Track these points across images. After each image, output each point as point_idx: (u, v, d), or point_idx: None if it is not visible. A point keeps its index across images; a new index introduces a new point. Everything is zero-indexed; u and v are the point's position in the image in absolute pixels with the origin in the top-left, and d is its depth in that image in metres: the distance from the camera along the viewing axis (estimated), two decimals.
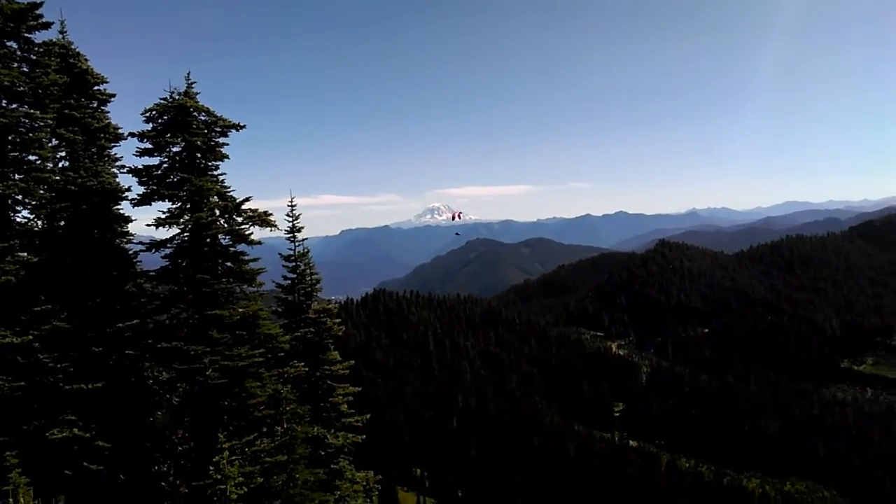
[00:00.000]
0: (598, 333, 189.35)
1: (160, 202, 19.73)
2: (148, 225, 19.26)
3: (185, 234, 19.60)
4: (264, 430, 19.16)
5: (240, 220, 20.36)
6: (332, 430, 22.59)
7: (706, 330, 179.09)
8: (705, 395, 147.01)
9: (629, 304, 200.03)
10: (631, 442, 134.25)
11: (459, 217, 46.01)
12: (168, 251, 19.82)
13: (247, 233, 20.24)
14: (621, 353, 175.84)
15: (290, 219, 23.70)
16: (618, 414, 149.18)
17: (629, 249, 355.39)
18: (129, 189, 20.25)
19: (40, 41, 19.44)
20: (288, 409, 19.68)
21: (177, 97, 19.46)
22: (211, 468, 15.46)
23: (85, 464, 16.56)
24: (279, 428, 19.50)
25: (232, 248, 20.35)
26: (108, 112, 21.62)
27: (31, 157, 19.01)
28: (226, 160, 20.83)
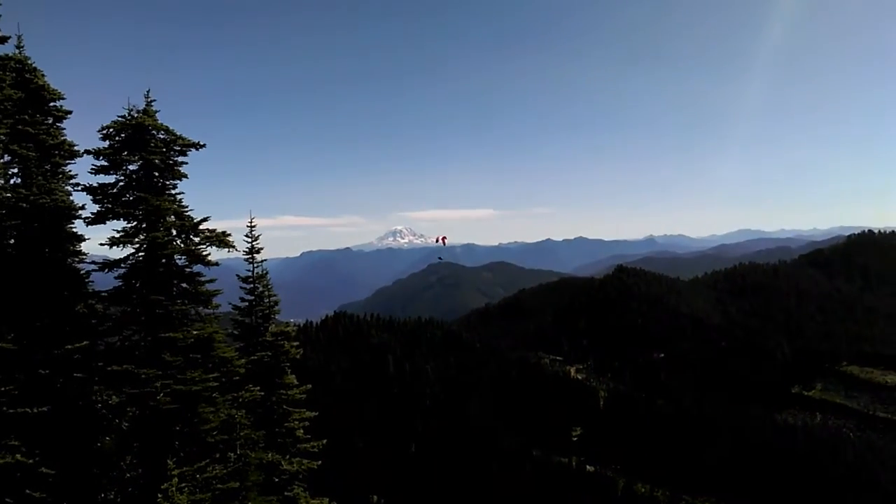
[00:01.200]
0: (558, 358, 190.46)
1: (115, 221, 19.35)
2: (101, 244, 18.84)
3: (140, 254, 19.23)
4: (217, 456, 18.71)
5: (197, 240, 20.07)
6: (287, 456, 22.18)
7: (662, 355, 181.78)
8: (661, 420, 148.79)
9: (588, 329, 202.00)
10: (588, 466, 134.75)
11: (444, 241, 46.07)
12: (122, 271, 19.38)
13: (204, 253, 19.95)
14: (580, 377, 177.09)
15: (249, 239, 23.43)
16: (576, 438, 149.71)
17: (589, 274, 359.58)
18: (83, 207, 19.80)
19: None
20: (242, 434, 19.28)
21: (135, 115, 19.22)
22: (160, 496, 15.03)
23: (28, 491, 15.90)
24: (232, 454, 19.08)
25: (188, 269, 20.02)
26: (64, 128, 21.14)
27: None
28: (184, 179, 20.58)
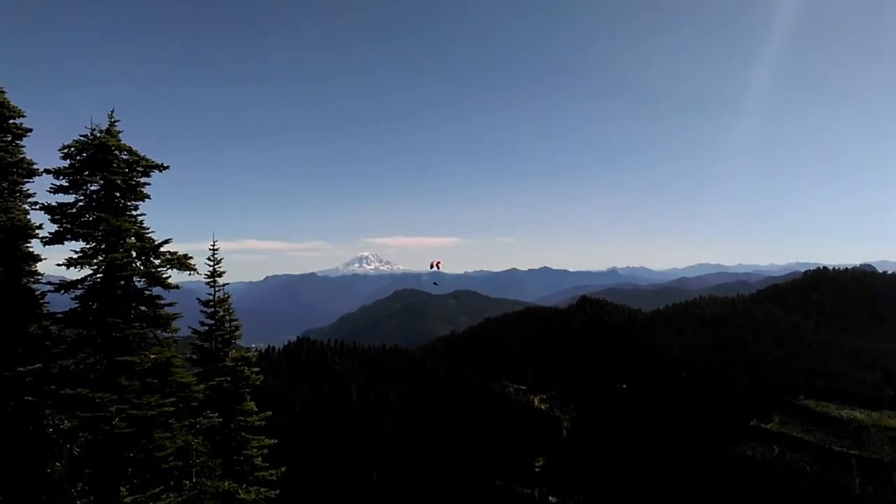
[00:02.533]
0: (522, 387, 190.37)
1: (73, 241, 19.05)
2: (59, 265, 18.50)
3: (98, 276, 18.92)
4: (171, 483, 18.29)
5: (157, 262, 19.86)
6: (245, 485, 21.73)
7: (625, 385, 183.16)
8: (623, 451, 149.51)
9: (552, 359, 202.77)
10: (551, 497, 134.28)
11: (438, 266, 46.24)
12: (78, 293, 19.03)
13: (164, 276, 19.73)
14: (543, 406, 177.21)
15: (211, 263, 23.22)
16: (538, 468, 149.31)
17: (553, 304, 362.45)
18: (40, 227, 19.47)
19: None
20: (198, 461, 18.90)
21: (98, 134, 19.06)
22: None
23: None
24: (187, 482, 18.67)
25: (147, 292, 19.75)
26: (24, 146, 20.83)
27: None
28: (147, 200, 20.40)
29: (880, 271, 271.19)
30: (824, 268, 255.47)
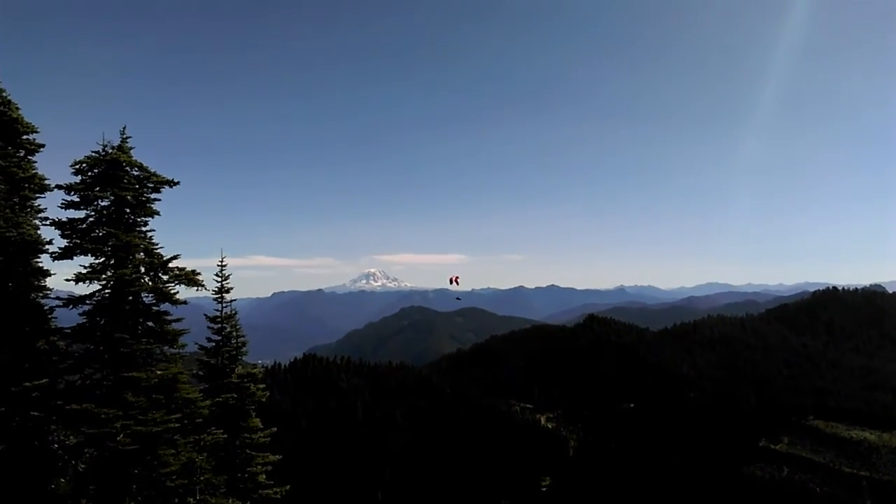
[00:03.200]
0: (528, 405, 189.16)
1: (83, 257, 19.15)
2: (67, 280, 18.59)
3: (107, 291, 18.98)
4: (176, 500, 18.22)
5: (166, 278, 19.91)
6: (248, 502, 21.62)
7: (632, 405, 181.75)
8: (630, 471, 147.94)
9: (559, 377, 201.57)
10: None
11: (457, 281, 45.62)
12: (86, 308, 19.09)
13: (172, 292, 19.77)
14: (550, 426, 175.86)
15: (220, 279, 23.26)
16: (545, 489, 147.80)
17: (560, 322, 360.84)
18: (50, 242, 19.59)
19: None
20: (202, 478, 18.82)
21: (110, 151, 19.22)
22: None
23: None
24: (192, 499, 18.59)
25: (155, 307, 19.79)
26: (36, 162, 21.02)
27: None
28: (156, 216, 20.51)
29: (890, 291, 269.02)
30: (833, 287, 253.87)
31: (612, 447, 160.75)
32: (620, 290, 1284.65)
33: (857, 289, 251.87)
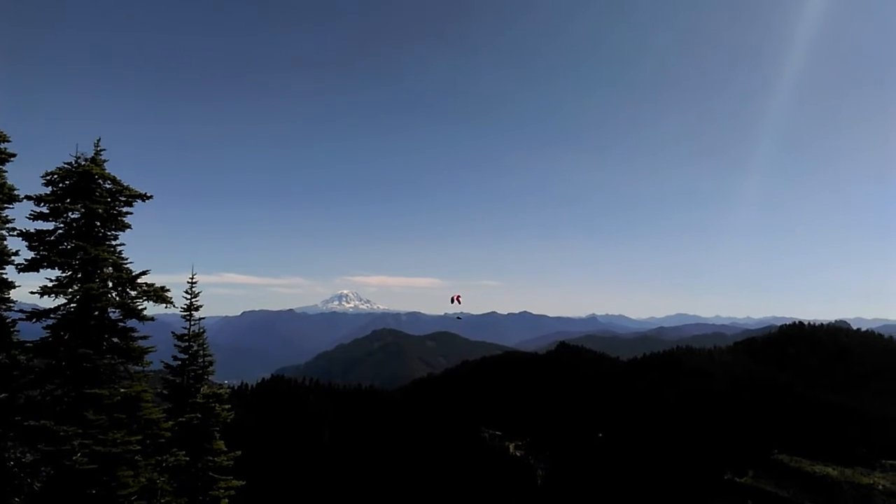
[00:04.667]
0: (497, 432, 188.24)
1: (49, 269, 18.76)
2: (33, 292, 18.18)
3: (72, 305, 18.60)
4: None
5: (134, 293, 19.59)
6: None
7: (601, 434, 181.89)
8: (599, 502, 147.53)
9: (529, 404, 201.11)
10: None
11: (460, 301, 44.91)
12: (51, 322, 18.66)
13: (139, 308, 19.44)
14: (518, 453, 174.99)
15: (189, 296, 22.90)
16: None
17: (532, 349, 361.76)
18: (16, 253, 19.16)
19: None
20: (162, 501, 18.34)
21: (83, 163, 18.97)
22: None
23: None
24: None
25: (121, 323, 19.42)
26: (6, 171, 20.62)
27: None
28: (127, 230, 20.22)
29: (854, 328, 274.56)
30: (800, 323, 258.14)
31: (580, 477, 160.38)
32: (592, 319, 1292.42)
33: (822, 324, 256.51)
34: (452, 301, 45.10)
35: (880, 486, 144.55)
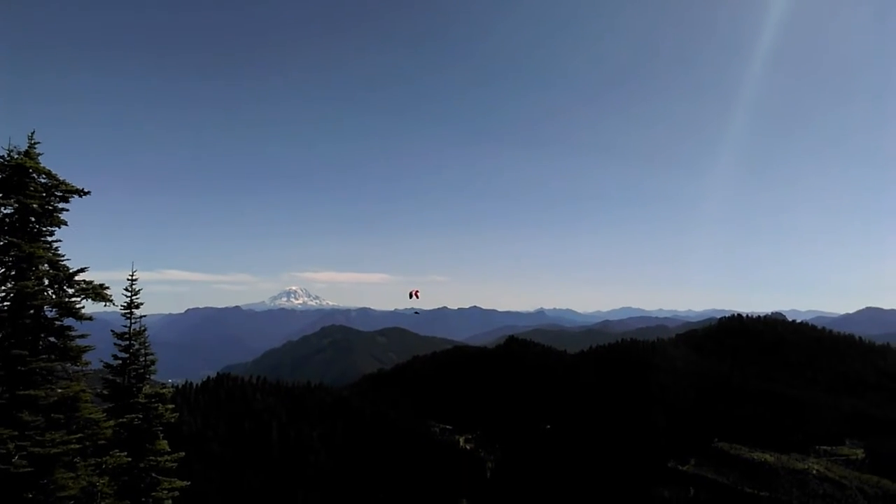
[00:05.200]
0: (447, 426, 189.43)
1: None
2: None
3: (6, 304, 17.99)
4: None
5: (71, 291, 19.07)
6: None
7: (548, 426, 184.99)
8: (546, 491, 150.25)
9: (478, 398, 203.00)
10: None
11: (417, 295, 44.47)
12: None
13: (77, 306, 18.93)
14: (468, 447, 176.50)
15: (129, 293, 22.36)
16: None
17: (481, 343, 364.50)
18: None
19: None
20: (103, 503, 17.93)
21: (16, 156, 18.35)
22: None
23: None
24: None
25: (58, 322, 18.87)
26: None
27: None
28: (64, 226, 19.65)
29: (790, 319, 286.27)
30: (739, 315, 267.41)
31: (528, 468, 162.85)
32: (540, 313, 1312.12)
33: (759, 316, 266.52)
34: (411, 296, 45.03)
35: (814, 471, 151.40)
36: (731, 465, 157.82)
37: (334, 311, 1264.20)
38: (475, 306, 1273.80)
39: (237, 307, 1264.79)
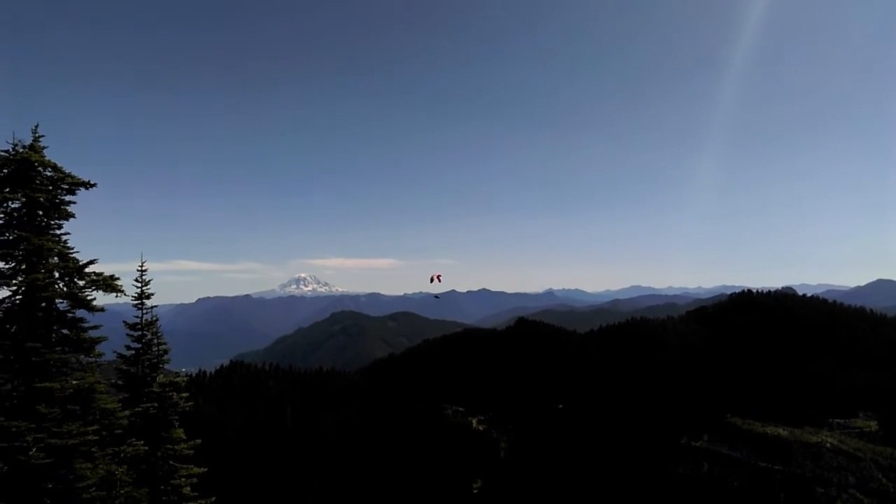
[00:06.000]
0: (460, 408, 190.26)
1: None
2: None
3: (17, 297, 18.05)
4: None
5: (82, 283, 19.10)
6: None
7: (561, 406, 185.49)
8: (560, 471, 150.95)
9: (490, 379, 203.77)
10: None
11: (440, 279, 44.41)
12: None
13: (88, 298, 18.98)
14: (481, 428, 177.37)
15: (139, 284, 22.41)
16: (476, 491, 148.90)
17: (491, 325, 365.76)
18: None
19: None
20: (122, 492, 18.09)
21: (21, 150, 18.32)
22: None
23: None
24: None
25: (70, 314, 18.94)
26: None
27: None
28: (72, 219, 19.65)
29: (800, 294, 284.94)
30: (748, 290, 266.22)
31: (542, 448, 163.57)
32: (549, 294, 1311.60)
33: (770, 291, 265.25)
34: (432, 280, 45.01)
35: (828, 444, 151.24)
36: (745, 440, 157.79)
37: (344, 297, 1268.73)
38: (484, 289, 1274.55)
39: (247, 296, 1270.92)
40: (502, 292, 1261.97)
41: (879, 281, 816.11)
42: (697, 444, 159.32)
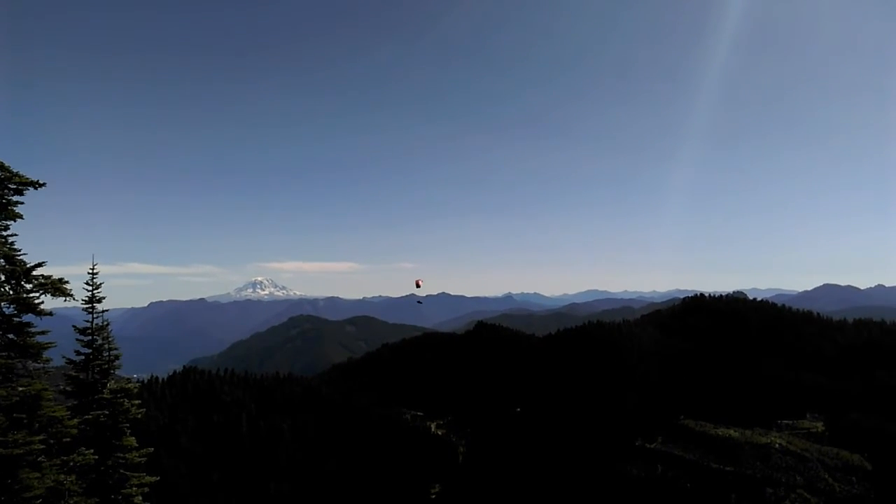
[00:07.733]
0: (419, 413, 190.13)
1: None
2: None
3: None
4: None
5: (29, 287, 18.49)
6: None
7: (518, 409, 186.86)
8: (517, 474, 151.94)
9: (449, 384, 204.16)
10: None
11: (419, 284, 44.36)
12: None
13: (36, 302, 18.38)
14: (439, 432, 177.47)
15: (90, 287, 21.79)
16: (434, 496, 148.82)
17: (451, 329, 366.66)
18: None
19: None
20: (71, 502, 17.54)
21: None
22: None
23: None
24: None
25: (16, 319, 18.30)
26: None
27: None
28: (19, 220, 19.00)
29: (751, 298, 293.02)
30: (701, 294, 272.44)
31: (500, 451, 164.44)
32: (508, 297, 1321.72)
33: (721, 295, 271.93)
34: (418, 285, 45.28)
35: (777, 445, 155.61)
36: (697, 442, 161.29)
37: (302, 301, 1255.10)
38: (443, 292, 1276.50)
39: (202, 299, 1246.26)
40: (462, 296, 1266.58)
41: (826, 285, 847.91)
42: (651, 446, 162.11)
